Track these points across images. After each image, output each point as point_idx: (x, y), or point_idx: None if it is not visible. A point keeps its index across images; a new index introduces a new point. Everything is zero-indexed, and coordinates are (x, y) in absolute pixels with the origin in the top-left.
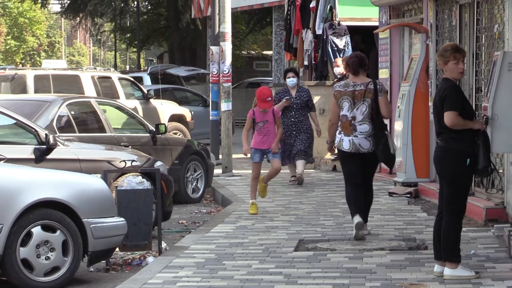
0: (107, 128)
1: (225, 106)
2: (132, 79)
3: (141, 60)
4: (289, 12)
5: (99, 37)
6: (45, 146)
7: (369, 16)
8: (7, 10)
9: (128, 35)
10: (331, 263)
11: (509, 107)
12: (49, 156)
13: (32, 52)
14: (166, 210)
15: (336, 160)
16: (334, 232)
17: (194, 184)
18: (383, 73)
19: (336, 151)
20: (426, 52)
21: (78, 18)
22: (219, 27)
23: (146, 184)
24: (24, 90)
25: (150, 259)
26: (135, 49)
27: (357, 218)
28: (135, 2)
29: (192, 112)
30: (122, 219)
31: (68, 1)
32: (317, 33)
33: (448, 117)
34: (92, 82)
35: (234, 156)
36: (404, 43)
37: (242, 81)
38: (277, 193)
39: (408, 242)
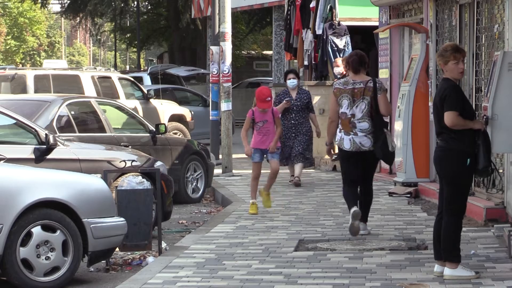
0: (107, 128)
1: (225, 106)
2: (132, 79)
3: (141, 60)
4: (289, 12)
5: (99, 37)
6: (45, 146)
7: (369, 16)
8: (7, 10)
9: (128, 35)
10: (331, 263)
11: (509, 107)
12: (49, 156)
13: (32, 52)
14: (166, 210)
15: (336, 160)
16: (334, 232)
17: (194, 184)
18: (383, 73)
19: (333, 154)
20: (426, 52)
21: (78, 18)
22: (219, 27)
23: (146, 184)
24: (24, 90)
25: (150, 259)
26: (135, 49)
27: (354, 208)
28: (135, 2)
29: (192, 112)
30: (122, 219)
31: (68, 1)
32: (317, 33)
33: (448, 117)
34: (92, 82)
35: (234, 156)
36: (404, 43)
37: (242, 81)
38: (277, 193)
39: (408, 242)
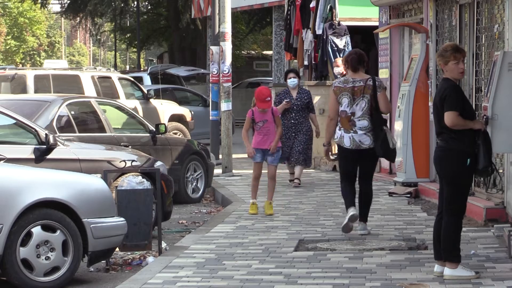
0: (107, 128)
1: (225, 106)
2: (132, 79)
3: (141, 60)
4: (289, 12)
5: (99, 37)
6: (45, 146)
7: (369, 16)
8: (7, 10)
9: (128, 35)
10: (331, 263)
11: (509, 107)
12: (49, 156)
13: (32, 52)
14: (166, 210)
15: (336, 160)
16: (334, 232)
17: (194, 184)
18: (383, 73)
19: (331, 157)
20: (426, 52)
21: (78, 18)
22: (219, 27)
23: (146, 184)
24: (24, 90)
25: (150, 259)
26: (135, 49)
27: (353, 211)
28: (135, 2)
29: (192, 112)
30: (122, 219)
31: (68, 1)
32: (317, 33)
33: (448, 117)
34: (92, 82)
35: (234, 156)
36: (404, 43)
37: (242, 81)
38: (277, 193)
39: (408, 242)
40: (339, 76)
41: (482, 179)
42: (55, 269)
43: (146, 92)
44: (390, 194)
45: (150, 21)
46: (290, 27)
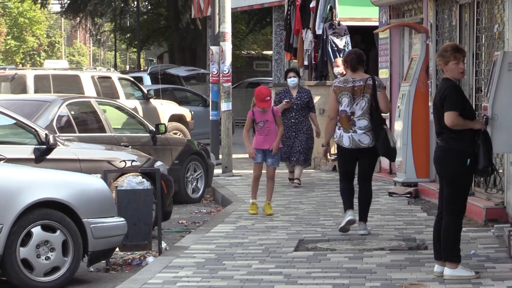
0: (107, 128)
1: (225, 106)
2: (132, 79)
3: (141, 60)
4: (289, 12)
5: (99, 37)
6: (45, 146)
7: (369, 16)
8: (7, 10)
9: (128, 35)
10: (331, 263)
11: (509, 107)
12: (49, 156)
13: (32, 52)
14: (166, 210)
15: (335, 160)
16: (334, 232)
17: (194, 184)
18: (383, 73)
19: (330, 157)
20: (426, 52)
21: (78, 18)
22: (219, 27)
23: (146, 184)
24: (24, 90)
25: (150, 259)
26: (135, 49)
27: (351, 215)
28: (135, 2)
29: (192, 112)
30: (122, 219)
31: (68, 1)
32: (317, 33)
33: (449, 117)
34: (92, 82)
35: (234, 156)
36: (404, 43)
37: (242, 81)
38: (277, 193)
39: (408, 242)
40: (339, 76)
41: (482, 179)
42: (55, 269)
43: (146, 92)
44: (390, 194)
45: (150, 21)
46: (290, 27)
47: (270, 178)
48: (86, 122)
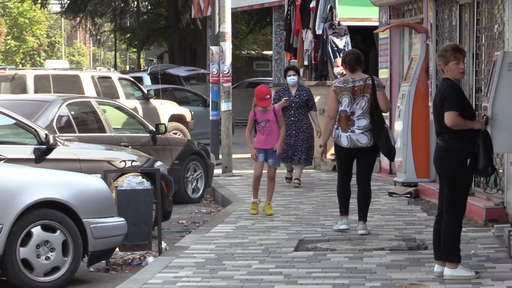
0: (107, 128)
1: (225, 106)
2: (132, 79)
3: (141, 60)
4: (289, 12)
5: (99, 37)
6: (45, 146)
7: (369, 16)
8: (7, 10)
9: (128, 35)
10: (331, 263)
11: (509, 107)
12: (49, 156)
13: (32, 52)
14: (166, 210)
15: (334, 160)
16: (334, 232)
17: (194, 184)
18: (383, 73)
19: (329, 157)
20: (426, 52)
21: (78, 18)
22: (219, 27)
23: (146, 184)
24: (24, 90)
25: (150, 259)
26: (135, 49)
27: (345, 224)
28: (135, 2)
29: (192, 112)
30: (122, 219)
31: (68, 1)
32: (317, 33)
33: (449, 117)
34: (92, 82)
35: (234, 156)
36: (404, 43)
37: (242, 81)
38: (277, 193)
39: (408, 242)
40: (339, 76)
41: (482, 179)
42: (55, 269)
43: (146, 92)
44: (390, 194)
45: (150, 21)
46: (290, 27)
47: (270, 178)
48: (86, 122)
